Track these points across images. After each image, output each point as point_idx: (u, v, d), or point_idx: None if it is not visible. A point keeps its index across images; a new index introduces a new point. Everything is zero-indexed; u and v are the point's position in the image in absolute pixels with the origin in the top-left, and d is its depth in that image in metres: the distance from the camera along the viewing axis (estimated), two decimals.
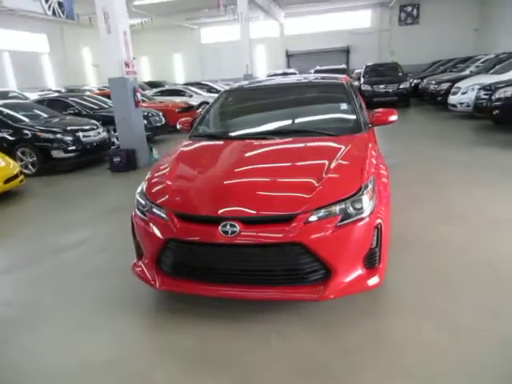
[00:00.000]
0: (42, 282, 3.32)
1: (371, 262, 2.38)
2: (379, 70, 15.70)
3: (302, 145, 3.05)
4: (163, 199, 2.55)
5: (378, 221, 2.36)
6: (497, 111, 8.24)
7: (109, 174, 7.18)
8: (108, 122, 8.75)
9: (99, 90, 16.01)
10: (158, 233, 2.45)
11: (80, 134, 7.62)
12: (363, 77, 15.42)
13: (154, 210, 2.53)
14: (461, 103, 10.50)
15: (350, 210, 2.29)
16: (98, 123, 8.24)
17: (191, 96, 16.07)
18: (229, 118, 3.99)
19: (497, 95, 8.26)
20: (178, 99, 13.79)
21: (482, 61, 14.01)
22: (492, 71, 11.23)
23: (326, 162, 2.61)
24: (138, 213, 2.65)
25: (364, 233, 2.31)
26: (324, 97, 3.78)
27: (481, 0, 22.71)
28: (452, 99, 10.81)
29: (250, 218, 2.28)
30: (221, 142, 3.37)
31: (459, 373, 2.00)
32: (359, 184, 2.39)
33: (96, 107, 9.96)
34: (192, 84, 18.48)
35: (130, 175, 6.98)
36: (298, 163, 2.78)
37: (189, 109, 12.71)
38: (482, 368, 2.02)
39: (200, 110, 14.43)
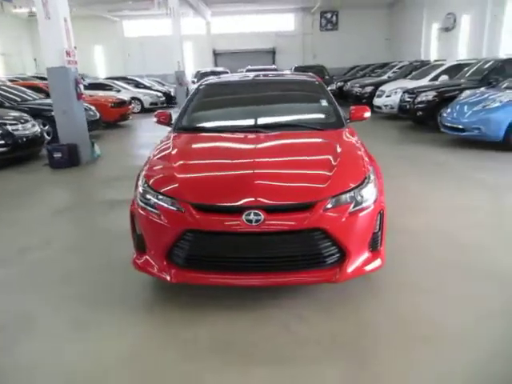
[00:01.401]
0: (19, 284, 3.05)
1: (374, 245, 2.60)
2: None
3: (299, 138, 3.20)
4: (176, 190, 2.51)
5: (380, 207, 2.59)
6: (420, 112, 9.21)
7: (48, 171, 6.63)
8: (35, 114, 8.05)
9: (11, 81, 14.48)
10: (172, 224, 2.41)
11: (9, 127, 6.92)
12: None
13: (166, 201, 2.48)
14: (385, 105, 11.51)
15: (359, 197, 2.48)
16: (29, 116, 7.54)
17: (119, 91, 15.35)
18: (215, 111, 3.98)
19: (419, 98, 9.23)
20: (101, 93, 13.04)
21: (398, 67, 15.47)
22: (410, 77, 12.47)
23: (330, 155, 2.78)
24: (144, 205, 2.57)
25: (370, 218, 2.52)
26: (304, 92, 3.97)
27: (390, 12, 24.97)
28: (377, 101, 11.79)
29: (273, 207, 2.36)
30: (217, 135, 3.37)
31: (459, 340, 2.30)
32: (364, 174, 2.61)
33: (19, 99, 9.08)
34: (117, 78, 17.63)
35: (74, 172, 6.53)
36: (304, 155, 2.93)
37: (122, 104, 12.15)
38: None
39: (132, 105, 13.92)
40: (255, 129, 3.33)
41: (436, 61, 13.98)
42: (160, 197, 2.52)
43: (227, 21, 25.60)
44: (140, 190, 2.66)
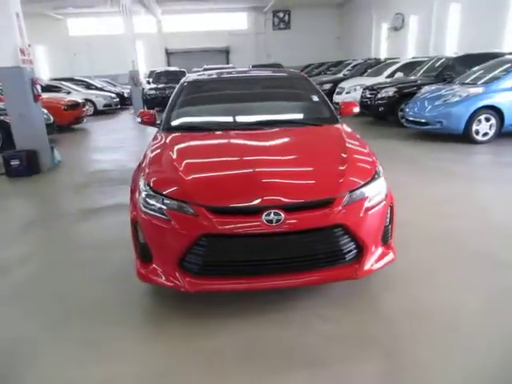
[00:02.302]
0: (7, 307, 2.73)
1: (385, 238, 2.60)
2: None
3: (301, 134, 3.14)
4: (186, 193, 2.34)
5: (391, 200, 2.59)
6: (382, 108, 9.52)
7: (5, 181, 6.08)
8: None
9: None
10: (185, 230, 2.24)
11: None
12: None
13: (175, 205, 2.31)
14: None
15: (373, 192, 2.45)
16: None
17: (69, 93, 14.55)
18: (208, 108, 3.79)
19: (380, 95, 9.53)
20: (52, 95, 12.27)
21: (352, 65, 15.90)
22: (366, 74, 12.87)
23: (338, 150, 2.74)
24: (149, 211, 2.38)
25: (383, 212, 2.51)
26: (295, 88, 3.90)
27: (340, 12, 25.67)
28: (337, 98, 12.03)
29: (293, 205, 2.26)
30: (215, 133, 3.21)
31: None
32: (374, 168, 2.60)
33: None
34: (64, 79, 16.70)
35: (35, 180, 6.05)
36: (312, 151, 2.85)
37: (76, 106, 11.49)
38: None
39: (87, 107, 13.21)
40: (253, 126, 3.23)
41: (388, 59, 14.54)
42: (167, 201, 2.35)
43: (179, 19, 25.08)
44: (143, 195, 2.45)
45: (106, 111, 15.66)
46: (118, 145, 9.11)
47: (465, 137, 7.14)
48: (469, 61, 9.13)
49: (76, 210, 4.60)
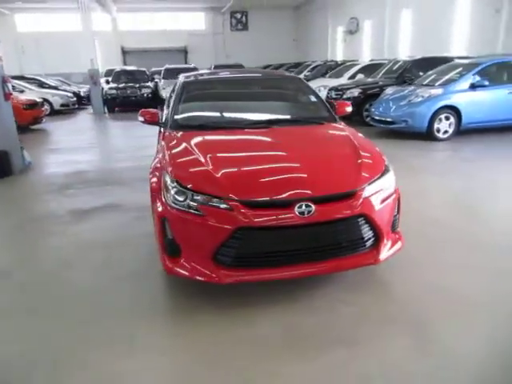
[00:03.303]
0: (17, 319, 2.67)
1: (394, 227, 2.84)
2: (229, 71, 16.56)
3: (310, 131, 3.34)
4: (221, 189, 2.44)
5: (398, 192, 2.84)
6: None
7: None
8: None
9: None
10: (221, 224, 2.34)
11: None
12: None
13: (209, 200, 2.40)
14: None
15: (386, 184, 2.69)
16: None
17: (22, 91, 13.83)
18: (213, 107, 3.86)
19: (346, 95, 9.98)
20: None
21: (312, 66, 16.41)
22: (328, 75, 13.36)
23: (350, 146, 2.95)
24: (180, 207, 2.44)
25: (394, 202, 2.75)
26: (293, 89, 4.07)
27: (296, 15, 26.31)
28: None
29: (322, 198, 2.44)
30: (230, 130, 3.31)
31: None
32: (384, 162, 2.83)
33: None
34: (14, 78, 15.79)
35: (10, 183, 5.78)
36: (326, 146, 3.06)
37: (35, 105, 10.97)
38: None
39: (45, 107, 12.61)
40: (262, 124, 3.37)
41: (347, 61, 15.15)
42: (197, 197, 2.43)
43: (135, 17, 24.53)
44: (172, 192, 2.51)
45: (63, 111, 15.02)
46: (86, 145, 8.86)
47: (427, 135, 7.69)
48: (425, 64, 9.86)
49: (69, 210, 4.48)
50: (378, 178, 2.67)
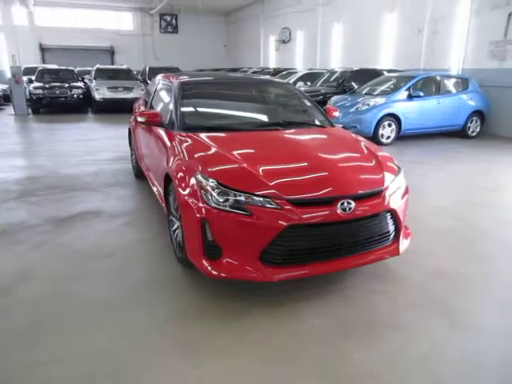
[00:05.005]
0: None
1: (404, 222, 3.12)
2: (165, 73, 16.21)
3: (320, 134, 3.53)
4: (265, 187, 2.48)
5: (408, 189, 3.13)
6: None
7: None
8: None
9: None
10: (271, 223, 2.39)
11: None
12: (149, 79, 15.59)
13: (255, 200, 2.43)
14: None
15: (400, 182, 2.96)
16: None
17: None
18: (220, 110, 3.86)
19: None
20: None
21: (249, 73, 16.75)
22: None
23: (364, 148, 3.17)
24: (223, 208, 2.44)
25: (407, 199, 3.02)
26: (289, 95, 4.21)
27: (226, 21, 26.57)
28: None
29: (359, 195, 2.61)
30: (246, 132, 3.37)
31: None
32: (395, 163, 3.09)
33: None
34: None
35: None
36: (343, 149, 3.24)
37: None
38: None
39: None
40: (271, 126, 3.49)
41: (287, 69, 15.73)
42: (241, 197, 2.45)
43: (55, 13, 22.77)
44: (214, 193, 2.48)
45: None
46: (21, 149, 8.13)
47: (374, 139, 8.37)
48: (361, 75, 10.72)
49: (42, 220, 4.11)
50: (396, 176, 2.93)
